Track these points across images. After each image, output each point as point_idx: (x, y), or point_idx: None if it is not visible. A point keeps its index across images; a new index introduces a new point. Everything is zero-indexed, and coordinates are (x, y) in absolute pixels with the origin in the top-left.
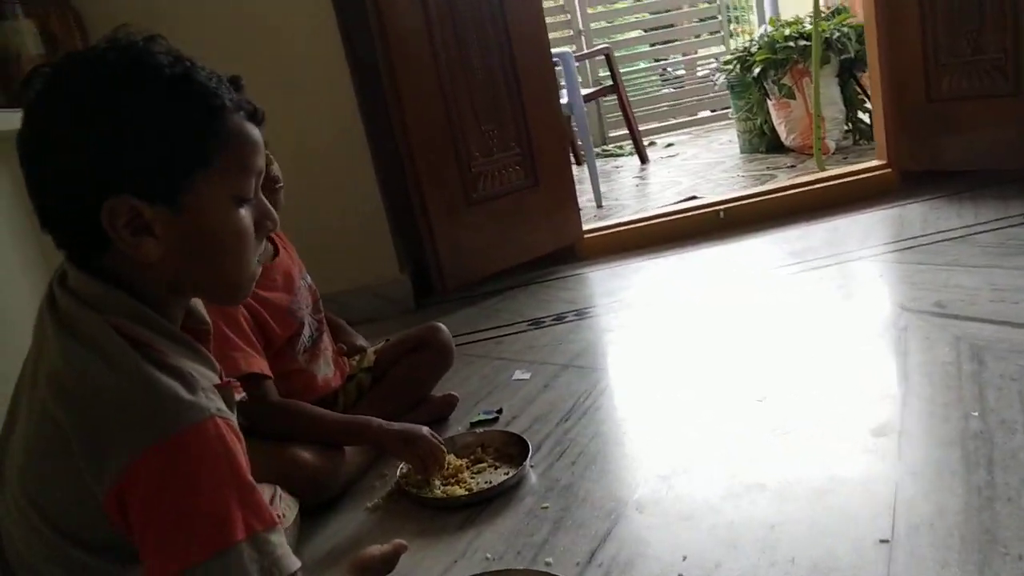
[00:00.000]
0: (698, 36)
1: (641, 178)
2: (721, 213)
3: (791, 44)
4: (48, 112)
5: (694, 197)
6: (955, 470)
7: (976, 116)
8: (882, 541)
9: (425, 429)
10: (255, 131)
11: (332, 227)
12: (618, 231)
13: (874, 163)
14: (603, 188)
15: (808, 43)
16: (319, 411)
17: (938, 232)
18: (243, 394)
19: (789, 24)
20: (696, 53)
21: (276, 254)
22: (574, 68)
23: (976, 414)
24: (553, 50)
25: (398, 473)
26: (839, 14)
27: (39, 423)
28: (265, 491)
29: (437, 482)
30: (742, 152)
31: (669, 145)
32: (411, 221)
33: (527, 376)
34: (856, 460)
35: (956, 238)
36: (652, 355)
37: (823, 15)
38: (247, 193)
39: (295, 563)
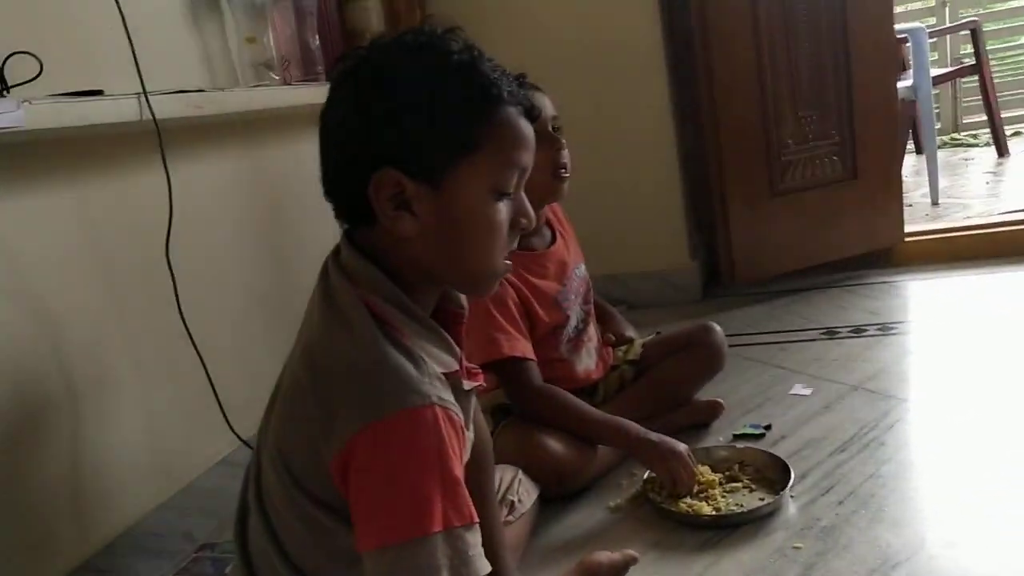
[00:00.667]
0: None
1: (995, 174)
2: None
3: None
4: (344, 85)
5: None
6: None
7: None
8: None
9: (683, 447)
10: (527, 127)
11: (626, 208)
12: (949, 236)
13: None
14: (945, 183)
15: None
16: (579, 403)
17: None
18: (479, 383)
19: None
20: None
21: (553, 242)
22: (926, 46)
23: None
24: (902, 25)
25: (645, 477)
26: None
27: (292, 381)
28: (507, 473)
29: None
30: None
31: None
32: (708, 207)
33: (807, 392)
34: None
35: None
36: (964, 390)
37: None
38: (507, 187)
39: (485, 567)
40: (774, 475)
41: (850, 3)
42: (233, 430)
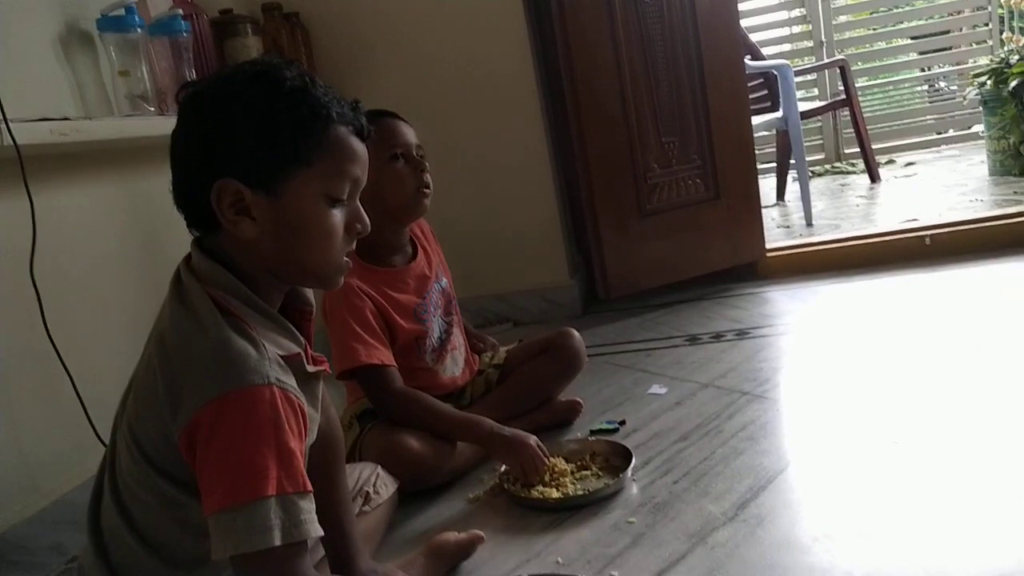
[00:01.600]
0: (972, 45)
1: (867, 198)
2: (927, 239)
3: None
4: (190, 107)
5: (916, 220)
6: None
7: None
8: None
9: (533, 439)
10: (358, 145)
11: (509, 230)
12: (806, 251)
13: None
14: (822, 206)
15: None
16: (437, 404)
17: None
18: (323, 367)
19: None
20: (968, 63)
21: (414, 258)
22: (791, 82)
23: None
24: (771, 62)
25: (502, 469)
26: None
27: (145, 369)
28: (366, 469)
29: (539, 484)
30: (991, 175)
31: (909, 164)
32: (585, 228)
33: (663, 391)
34: (990, 526)
35: None
36: (801, 383)
37: None
38: (339, 194)
39: (317, 531)
40: (619, 462)
41: (704, 42)
42: (105, 444)
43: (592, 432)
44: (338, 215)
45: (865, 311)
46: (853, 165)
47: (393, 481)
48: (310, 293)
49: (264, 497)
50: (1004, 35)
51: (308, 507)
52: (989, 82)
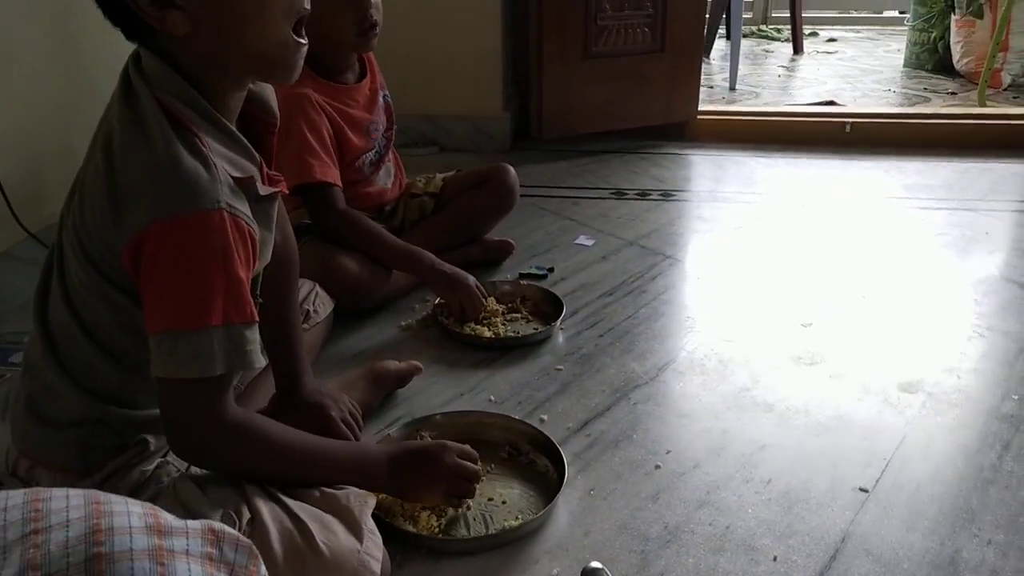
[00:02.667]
0: None
1: (788, 69)
2: (848, 126)
3: None
4: None
5: (832, 103)
6: (967, 445)
7: None
8: (861, 489)
9: (472, 279)
10: None
11: (447, 51)
12: (734, 119)
13: None
14: (744, 71)
15: None
16: (380, 230)
17: None
18: (278, 188)
19: None
20: None
21: (363, 75)
22: None
23: (1016, 398)
24: None
25: (436, 302)
26: None
27: (92, 174)
28: (304, 285)
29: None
30: (905, 66)
31: (831, 40)
32: (526, 61)
33: (590, 243)
34: (871, 407)
35: None
36: (721, 253)
37: None
38: None
39: (260, 362)
40: (549, 309)
41: None
42: (20, 223)
43: (522, 276)
44: None
45: (781, 190)
46: (778, 31)
47: (330, 301)
48: (275, 104)
49: (209, 326)
50: None
51: (253, 337)
52: None
